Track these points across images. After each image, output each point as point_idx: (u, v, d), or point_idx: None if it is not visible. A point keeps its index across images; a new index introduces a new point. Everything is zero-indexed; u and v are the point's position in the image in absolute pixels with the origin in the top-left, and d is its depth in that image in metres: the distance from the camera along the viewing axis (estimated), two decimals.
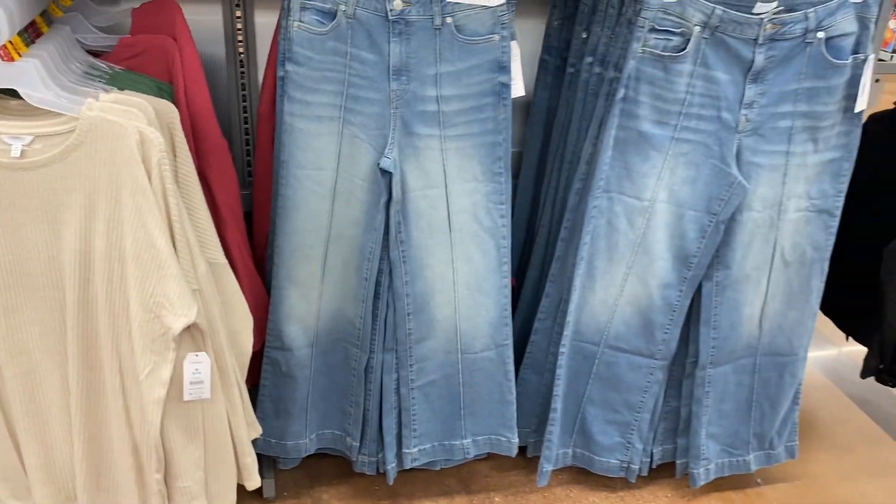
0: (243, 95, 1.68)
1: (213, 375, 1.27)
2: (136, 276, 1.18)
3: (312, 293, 1.57)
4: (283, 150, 1.45)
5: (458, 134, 1.47)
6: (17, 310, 1.23)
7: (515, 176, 1.87)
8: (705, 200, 1.54)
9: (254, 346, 1.44)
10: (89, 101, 1.15)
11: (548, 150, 1.81)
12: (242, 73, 1.67)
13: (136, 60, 1.40)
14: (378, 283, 1.56)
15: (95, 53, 1.40)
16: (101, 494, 1.35)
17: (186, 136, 1.30)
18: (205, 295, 1.26)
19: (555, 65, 1.76)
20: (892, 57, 3.77)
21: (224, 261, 1.36)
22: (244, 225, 1.54)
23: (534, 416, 1.82)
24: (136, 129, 1.14)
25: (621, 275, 1.61)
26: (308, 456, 1.78)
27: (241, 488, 1.44)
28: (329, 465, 1.83)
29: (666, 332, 1.66)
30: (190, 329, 1.22)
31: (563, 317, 1.66)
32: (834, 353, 2.44)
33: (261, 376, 1.62)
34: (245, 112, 1.69)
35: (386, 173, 1.45)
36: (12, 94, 1.16)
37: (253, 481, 1.44)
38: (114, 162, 1.15)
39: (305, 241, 1.51)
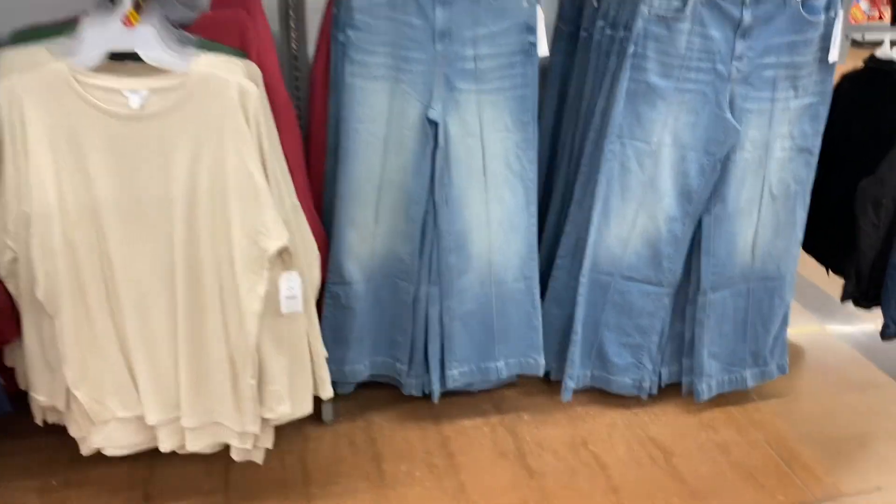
0: (295, 66, 1.90)
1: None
2: (237, 208, 1.41)
3: (368, 233, 1.79)
4: (343, 108, 1.67)
5: (492, 88, 1.71)
6: (133, 242, 1.44)
7: None
8: (704, 142, 1.78)
9: None
10: (195, 59, 1.37)
11: (563, 111, 2.04)
12: (294, 46, 1.89)
13: (213, 31, 1.62)
14: (424, 223, 1.79)
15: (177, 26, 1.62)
16: (200, 400, 1.57)
17: None
18: (291, 226, 1.49)
19: (568, 32, 1.99)
20: (862, 35, 4.14)
21: (297, 202, 1.59)
22: (306, 172, 1.76)
23: (556, 344, 2.05)
24: (237, 82, 1.36)
25: (633, 211, 1.86)
26: (359, 387, 2.01)
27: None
28: (379, 394, 2.05)
29: (672, 262, 1.91)
30: (281, 252, 1.45)
31: (582, 253, 1.90)
32: (817, 291, 2.70)
33: (323, 308, 1.85)
34: (296, 80, 1.91)
35: (433, 123, 1.68)
36: (123, 59, 1.38)
37: (326, 391, 1.66)
38: (218, 110, 1.37)
39: (362, 186, 1.74)
